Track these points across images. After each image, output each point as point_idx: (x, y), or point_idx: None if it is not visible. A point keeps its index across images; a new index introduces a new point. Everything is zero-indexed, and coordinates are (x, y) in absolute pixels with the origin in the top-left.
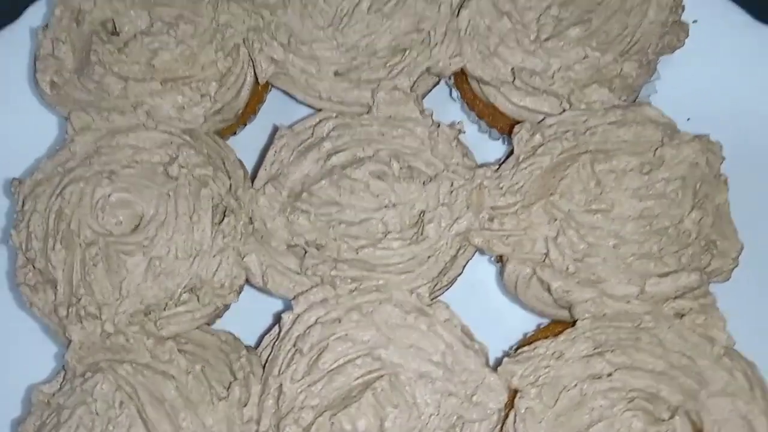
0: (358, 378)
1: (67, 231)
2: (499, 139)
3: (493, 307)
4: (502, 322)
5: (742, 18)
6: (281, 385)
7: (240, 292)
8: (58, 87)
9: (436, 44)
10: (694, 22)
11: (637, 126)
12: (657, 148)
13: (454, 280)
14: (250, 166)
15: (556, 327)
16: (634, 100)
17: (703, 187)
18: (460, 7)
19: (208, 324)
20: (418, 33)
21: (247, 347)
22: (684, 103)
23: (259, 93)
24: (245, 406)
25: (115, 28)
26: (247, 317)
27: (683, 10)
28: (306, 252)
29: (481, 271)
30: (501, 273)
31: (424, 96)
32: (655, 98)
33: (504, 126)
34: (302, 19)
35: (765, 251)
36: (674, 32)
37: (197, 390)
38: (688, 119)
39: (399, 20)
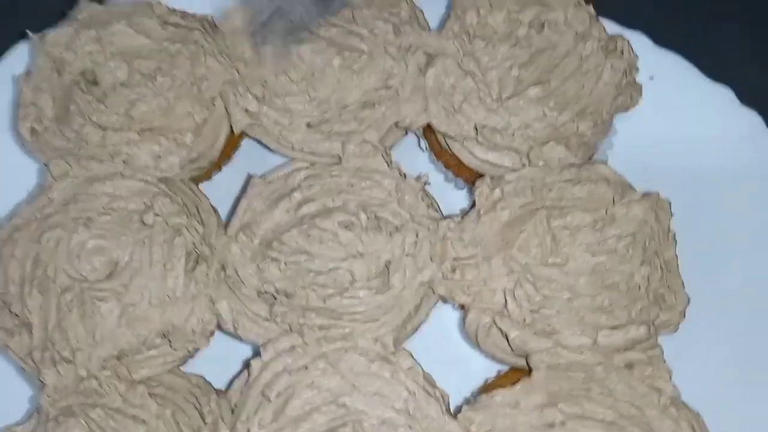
0: (323, 425)
1: (43, 277)
2: (464, 188)
3: (456, 352)
4: (465, 366)
5: (694, 74)
6: (248, 430)
7: (210, 338)
8: (38, 134)
9: (404, 100)
10: (651, 78)
11: (591, 184)
12: (608, 207)
13: (417, 327)
14: (224, 209)
15: (515, 374)
16: (591, 157)
17: (653, 243)
18: (427, 65)
19: (180, 365)
20: (387, 89)
21: (218, 391)
22: (641, 154)
23: (234, 140)
24: None
25: (95, 79)
26: (218, 361)
27: (638, 72)
28: (275, 299)
29: (445, 317)
30: (463, 321)
31: (392, 146)
32: (613, 151)
33: (469, 176)
34: (276, 73)
35: (713, 301)
36: (628, 93)
37: None
38: (645, 170)
39: (368, 77)
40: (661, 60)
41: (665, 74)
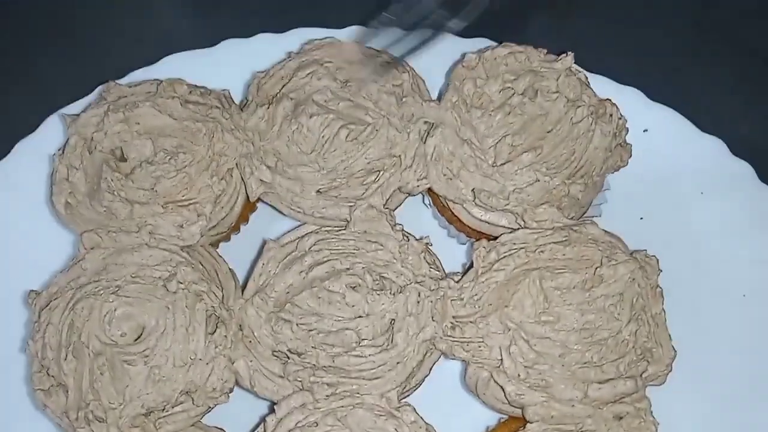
0: None
1: (77, 342)
2: (465, 243)
3: (460, 400)
4: (469, 414)
5: (686, 126)
6: None
7: (230, 394)
8: (71, 208)
9: (406, 167)
10: (645, 131)
11: (580, 245)
12: (597, 267)
13: (421, 382)
14: (242, 268)
15: (514, 422)
16: (584, 214)
17: (640, 300)
18: (427, 134)
19: (202, 418)
20: (390, 157)
21: None
22: (636, 204)
23: (251, 205)
24: None
25: (123, 156)
26: (237, 416)
27: (627, 133)
28: (288, 359)
29: (448, 369)
30: (464, 374)
31: (396, 207)
32: (608, 203)
33: (470, 232)
34: (288, 145)
35: (702, 354)
36: (618, 154)
37: None
38: (641, 218)
39: (373, 147)
40: (654, 114)
41: (658, 127)
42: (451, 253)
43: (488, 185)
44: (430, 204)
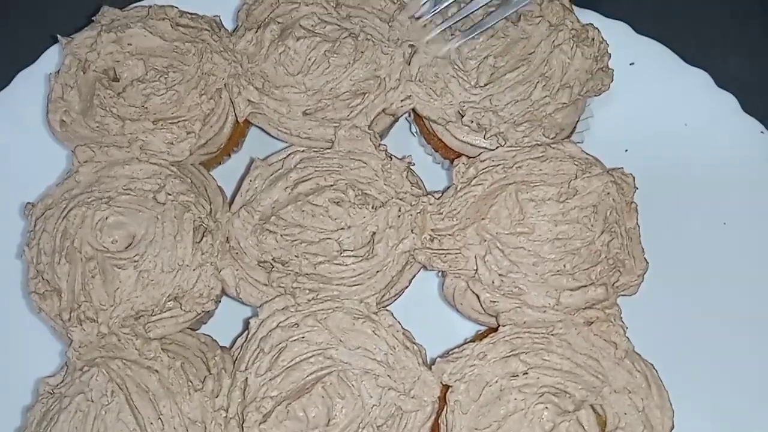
0: (311, 374)
1: (71, 248)
2: (449, 169)
3: (439, 316)
4: (449, 328)
5: (672, 59)
6: (247, 378)
7: (217, 301)
8: (66, 125)
9: (391, 89)
10: (631, 64)
11: (557, 161)
12: (571, 180)
13: (402, 292)
14: (232, 193)
15: (490, 333)
16: (569, 137)
17: (614, 213)
18: (411, 56)
19: (192, 328)
20: (375, 79)
21: (222, 347)
22: (621, 135)
23: (241, 128)
24: (217, 396)
25: (116, 75)
26: (224, 323)
27: (609, 58)
28: (273, 267)
29: (428, 285)
30: (441, 286)
31: (386, 132)
32: (593, 134)
33: (454, 157)
34: (275, 66)
35: (674, 271)
36: (599, 78)
37: (176, 382)
38: (626, 150)
39: (358, 68)
40: (640, 46)
41: (645, 60)
42: (436, 177)
43: (471, 105)
44: (416, 132)
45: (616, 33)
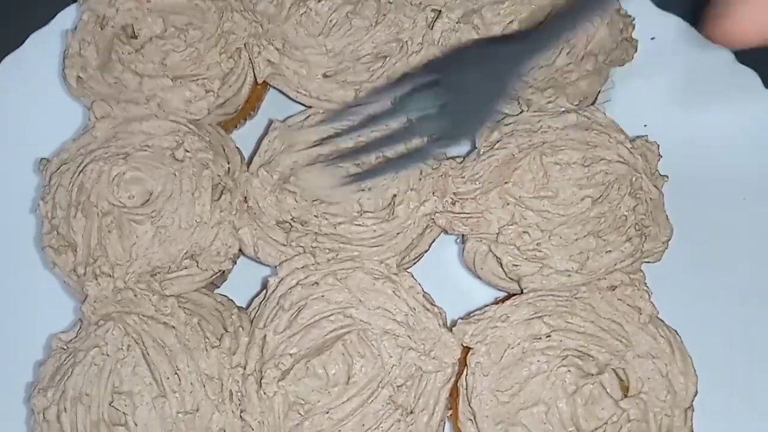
0: (330, 332)
1: (87, 202)
2: None
3: (457, 283)
4: (465, 296)
5: (694, 35)
6: (265, 336)
7: (234, 261)
8: (82, 81)
9: (413, 53)
10: (652, 39)
11: (582, 126)
12: (597, 146)
13: (421, 256)
14: (248, 155)
15: (507, 300)
16: (592, 105)
17: (639, 180)
18: (434, 21)
19: (208, 289)
20: (397, 42)
21: (239, 307)
22: (641, 110)
23: (258, 91)
24: (234, 353)
25: (134, 32)
26: (240, 284)
27: (633, 29)
28: (291, 227)
29: (448, 252)
30: (462, 251)
31: None
32: (613, 106)
33: None
34: (296, 27)
35: (695, 244)
36: (624, 48)
37: (193, 339)
38: (645, 125)
39: (380, 31)
40: (662, 22)
41: (666, 35)
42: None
43: None
44: None
45: (637, 8)
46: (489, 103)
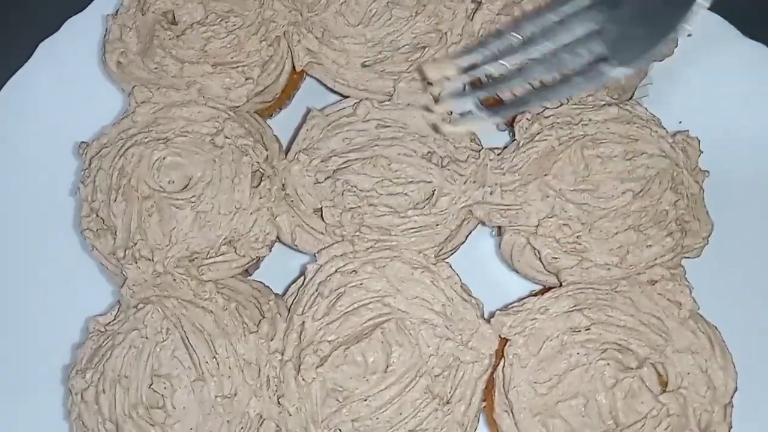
0: (369, 320)
1: (127, 186)
2: (505, 130)
3: (493, 277)
4: (501, 289)
5: (733, 33)
6: (304, 322)
7: (271, 248)
8: (123, 66)
9: (452, 44)
10: (689, 35)
11: (623, 120)
12: (639, 139)
13: (458, 247)
14: (286, 145)
15: (546, 293)
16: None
17: (680, 175)
18: (474, 12)
19: (243, 274)
20: (437, 33)
21: (276, 294)
22: (676, 107)
23: (294, 81)
24: (272, 339)
25: (175, 19)
26: (277, 271)
27: None
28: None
29: (483, 245)
30: (499, 243)
31: None
32: (649, 102)
33: (511, 119)
34: (336, 16)
35: (734, 240)
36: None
37: (231, 324)
38: (680, 122)
39: (420, 21)
40: (698, 18)
41: (702, 32)
42: (491, 140)
43: None
44: None
45: None
46: (667, 17)
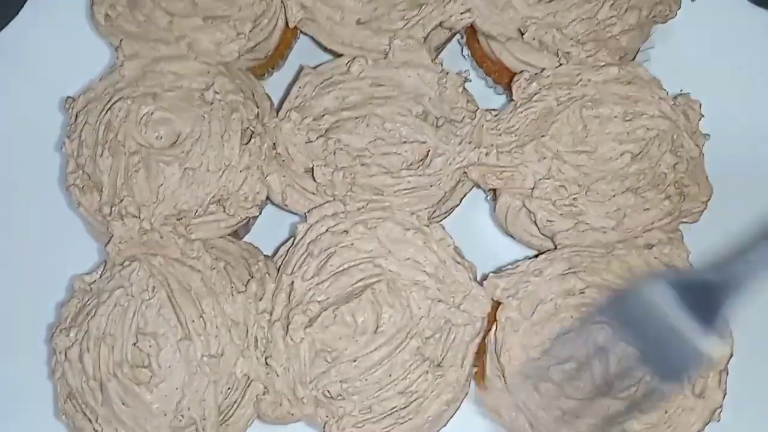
0: (360, 280)
1: (114, 141)
2: (503, 94)
3: (487, 242)
4: (494, 254)
5: (737, 0)
6: (293, 282)
7: (261, 208)
8: (111, 19)
9: (450, 1)
10: (693, 0)
11: (624, 81)
12: (639, 101)
13: (452, 210)
14: (278, 104)
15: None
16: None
17: (680, 138)
18: None
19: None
20: None
21: (265, 255)
22: (679, 75)
23: (287, 40)
24: (261, 299)
25: None
26: (266, 233)
27: None
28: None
29: (478, 209)
30: (493, 206)
31: (438, 50)
32: (650, 67)
33: (508, 82)
34: None
35: (732, 207)
36: (667, 3)
37: (219, 283)
38: (681, 90)
39: None
40: None
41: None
42: (488, 103)
43: (534, 20)
44: (468, 55)
45: None
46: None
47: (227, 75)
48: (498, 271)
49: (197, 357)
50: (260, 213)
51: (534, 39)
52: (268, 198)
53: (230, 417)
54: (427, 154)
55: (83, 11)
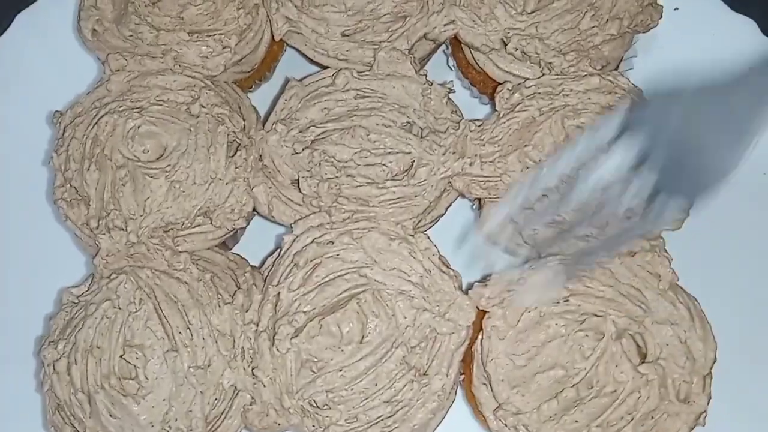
0: (345, 290)
1: (101, 155)
2: (488, 104)
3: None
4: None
5: (719, 6)
6: (279, 293)
7: (248, 220)
8: (98, 34)
9: (434, 13)
10: (676, 9)
11: (606, 91)
12: None
13: (437, 219)
14: (264, 116)
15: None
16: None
17: None
18: None
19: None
20: (418, 2)
21: (252, 266)
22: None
23: (274, 52)
24: (247, 310)
25: None
26: (253, 245)
27: None
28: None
29: (463, 218)
30: (478, 216)
31: (423, 61)
32: (633, 75)
33: (492, 92)
34: None
35: (714, 213)
36: (648, 12)
37: (206, 294)
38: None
39: None
40: None
41: (689, 5)
42: (473, 113)
43: (516, 32)
44: (454, 66)
45: None
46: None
47: (213, 88)
48: (483, 279)
49: (184, 368)
50: (247, 224)
51: (517, 49)
52: (254, 209)
53: (217, 428)
54: (412, 165)
55: (70, 26)
